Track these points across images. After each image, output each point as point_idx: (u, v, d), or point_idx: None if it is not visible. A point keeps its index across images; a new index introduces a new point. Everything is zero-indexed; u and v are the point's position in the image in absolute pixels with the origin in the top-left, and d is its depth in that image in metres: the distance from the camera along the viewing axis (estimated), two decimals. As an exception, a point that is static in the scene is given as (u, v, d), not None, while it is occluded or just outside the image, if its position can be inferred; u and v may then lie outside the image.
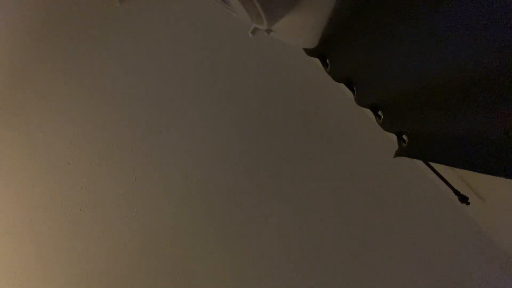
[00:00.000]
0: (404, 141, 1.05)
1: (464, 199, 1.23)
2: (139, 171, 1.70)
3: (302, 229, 1.66)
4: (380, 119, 1.06)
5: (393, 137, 1.10)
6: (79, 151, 1.71)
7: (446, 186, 1.23)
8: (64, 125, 1.73)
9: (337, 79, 1.15)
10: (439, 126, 0.80)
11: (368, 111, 1.13)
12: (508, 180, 0.67)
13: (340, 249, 1.65)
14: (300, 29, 0.95)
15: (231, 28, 1.71)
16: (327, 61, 1.13)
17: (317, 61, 1.19)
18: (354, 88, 1.10)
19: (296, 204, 1.67)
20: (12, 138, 1.72)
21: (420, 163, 1.29)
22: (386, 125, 1.06)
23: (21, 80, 1.74)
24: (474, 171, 0.78)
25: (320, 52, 1.11)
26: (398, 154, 1.08)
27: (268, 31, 0.85)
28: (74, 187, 1.69)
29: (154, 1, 1.77)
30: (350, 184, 1.67)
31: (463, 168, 0.79)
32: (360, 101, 1.10)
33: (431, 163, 1.19)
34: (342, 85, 1.17)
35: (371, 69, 0.91)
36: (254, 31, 0.86)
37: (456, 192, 1.22)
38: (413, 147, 1.01)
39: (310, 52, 1.13)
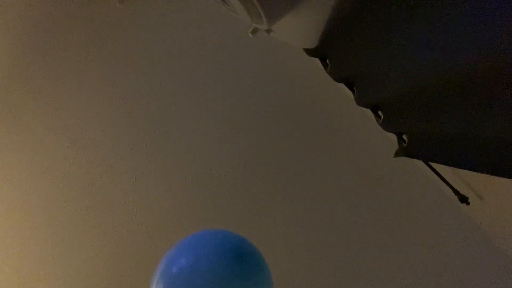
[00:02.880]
0: (404, 141, 1.04)
1: (464, 199, 1.23)
2: (139, 171, 1.70)
3: (301, 229, 1.66)
4: (380, 119, 1.06)
5: (393, 137, 1.10)
6: (79, 151, 1.71)
7: (446, 186, 1.23)
8: (64, 125, 1.73)
9: (337, 79, 1.15)
10: (439, 126, 0.80)
11: (368, 111, 1.13)
12: (508, 180, 0.67)
13: (339, 249, 1.65)
14: (300, 29, 0.95)
15: (231, 28, 1.71)
16: (327, 61, 1.13)
17: (317, 61, 1.19)
18: (354, 88, 1.10)
19: (295, 205, 1.67)
20: (12, 138, 1.72)
21: (420, 163, 1.29)
22: (386, 125, 1.06)
23: (21, 81, 1.74)
24: (474, 171, 0.78)
25: (320, 52, 1.11)
26: (398, 154, 1.08)
27: (268, 31, 0.85)
28: (74, 187, 1.69)
29: (154, 1, 1.77)
30: (350, 184, 1.67)
31: (463, 168, 0.79)
32: (360, 101, 1.10)
33: (431, 163, 1.19)
34: (342, 85, 1.17)
35: (371, 69, 0.91)
36: (254, 31, 0.86)
37: (456, 192, 1.22)
38: (413, 147, 1.01)
39: (310, 52, 1.13)
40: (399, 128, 1.05)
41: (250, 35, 0.87)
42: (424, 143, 0.95)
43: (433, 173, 1.21)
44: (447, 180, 1.22)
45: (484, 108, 0.61)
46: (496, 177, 0.70)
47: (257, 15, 0.77)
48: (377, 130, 1.18)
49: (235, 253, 0.66)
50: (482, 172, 0.74)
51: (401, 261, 1.61)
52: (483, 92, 0.58)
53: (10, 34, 1.73)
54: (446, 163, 0.94)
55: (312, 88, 1.71)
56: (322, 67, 1.16)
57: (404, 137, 1.04)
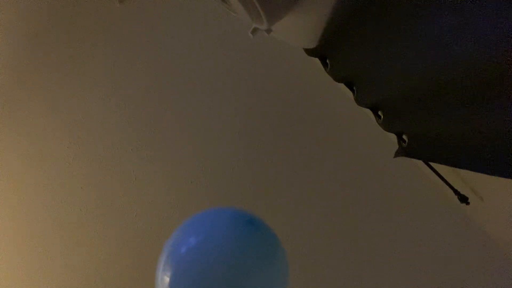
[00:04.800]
0: (404, 141, 1.04)
1: (464, 199, 1.22)
2: (139, 171, 1.70)
3: (300, 229, 1.65)
4: (380, 119, 1.06)
5: (393, 137, 1.10)
6: (79, 151, 1.71)
7: (446, 186, 1.23)
8: (64, 125, 1.73)
9: (337, 79, 1.15)
10: (439, 126, 0.80)
11: (368, 111, 1.13)
12: (508, 180, 0.67)
13: (338, 249, 1.64)
14: (300, 29, 0.95)
15: (231, 28, 1.71)
16: (327, 61, 1.13)
17: (317, 61, 1.19)
18: (354, 88, 1.10)
19: (294, 208, 1.67)
20: (12, 138, 1.72)
21: (420, 163, 1.29)
22: (386, 125, 1.06)
23: (21, 80, 1.74)
24: (474, 171, 0.78)
25: (320, 52, 1.11)
26: (398, 154, 1.08)
27: (268, 31, 0.85)
28: (74, 187, 1.69)
29: (154, 1, 1.77)
30: (350, 184, 1.67)
31: (463, 168, 0.79)
32: (360, 101, 1.10)
33: (431, 163, 1.19)
34: (342, 85, 1.17)
35: (371, 69, 0.91)
36: (254, 31, 0.86)
37: (456, 192, 1.22)
38: (413, 147, 1.01)
39: (310, 52, 1.13)
40: (399, 128, 1.05)
41: (250, 35, 0.87)
42: (424, 143, 0.95)
43: (433, 173, 1.21)
44: (447, 180, 1.22)
45: (484, 108, 0.61)
46: (496, 177, 0.70)
47: (257, 15, 0.77)
48: (377, 130, 1.18)
49: (247, 225, 0.61)
50: (482, 172, 0.74)
51: (401, 261, 1.61)
52: (483, 92, 0.58)
53: (9, 33, 1.73)
54: (446, 163, 0.94)
55: (312, 88, 1.71)
56: (322, 67, 1.16)
57: (404, 137, 1.04)
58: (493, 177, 0.70)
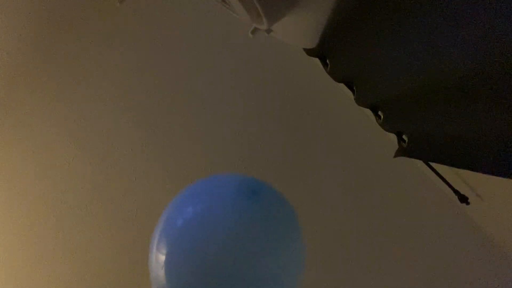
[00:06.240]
0: (404, 141, 1.05)
1: (464, 199, 1.23)
2: (139, 171, 1.70)
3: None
4: (380, 119, 1.06)
5: (393, 137, 1.10)
6: (79, 151, 1.71)
7: (446, 186, 1.23)
8: (64, 125, 1.73)
9: (337, 79, 1.15)
10: (439, 126, 0.80)
11: (368, 111, 1.13)
12: (508, 180, 0.67)
13: (338, 249, 1.64)
14: (300, 29, 0.95)
15: (231, 28, 1.71)
16: (327, 61, 1.13)
17: (317, 61, 1.19)
18: (354, 88, 1.10)
19: (294, 205, 1.67)
20: (12, 138, 1.72)
21: (420, 163, 1.29)
22: (386, 125, 1.06)
23: (21, 80, 1.74)
24: (474, 171, 0.78)
25: (320, 52, 1.11)
26: (398, 154, 1.08)
27: (268, 31, 0.85)
28: (74, 187, 1.69)
29: (154, 1, 1.77)
30: (350, 184, 1.67)
31: (463, 168, 0.79)
32: (360, 101, 1.10)
33: (431, 163, 1.19)
34: (342, 85, 1.17)
35: (371, 69, 0.91)
36: (254, 31, 0.86)
37: (456, 192, 1.22)
38: (413, 147, 1.01)
39: (310, 52, 1.13)
40: (399, 128, 1.05)
41: (250, 35, 0.87)
42: (424, 143, 0.95)
43: (433, 173, 1.21)
44: (447, 180, 1.22)
45: (484, 108, 0.61)
46: (496, 177, 0.70)
47: (257, 15, 0.78)
48: (377, 130, 1.18)
49: (250, 196, 0.50)
50: (482, 172, 0.74)
51: (401, 261, 1.61)
52: (483, 92, 0.58)
53: (10, 34, 1.73)
54: (446, 163, 0.94)
55: (312, 88, 1.71)
56: (322, 67, 1.16)
57: (404, 137, 1.04)
58: (493, 177, 0.70)
